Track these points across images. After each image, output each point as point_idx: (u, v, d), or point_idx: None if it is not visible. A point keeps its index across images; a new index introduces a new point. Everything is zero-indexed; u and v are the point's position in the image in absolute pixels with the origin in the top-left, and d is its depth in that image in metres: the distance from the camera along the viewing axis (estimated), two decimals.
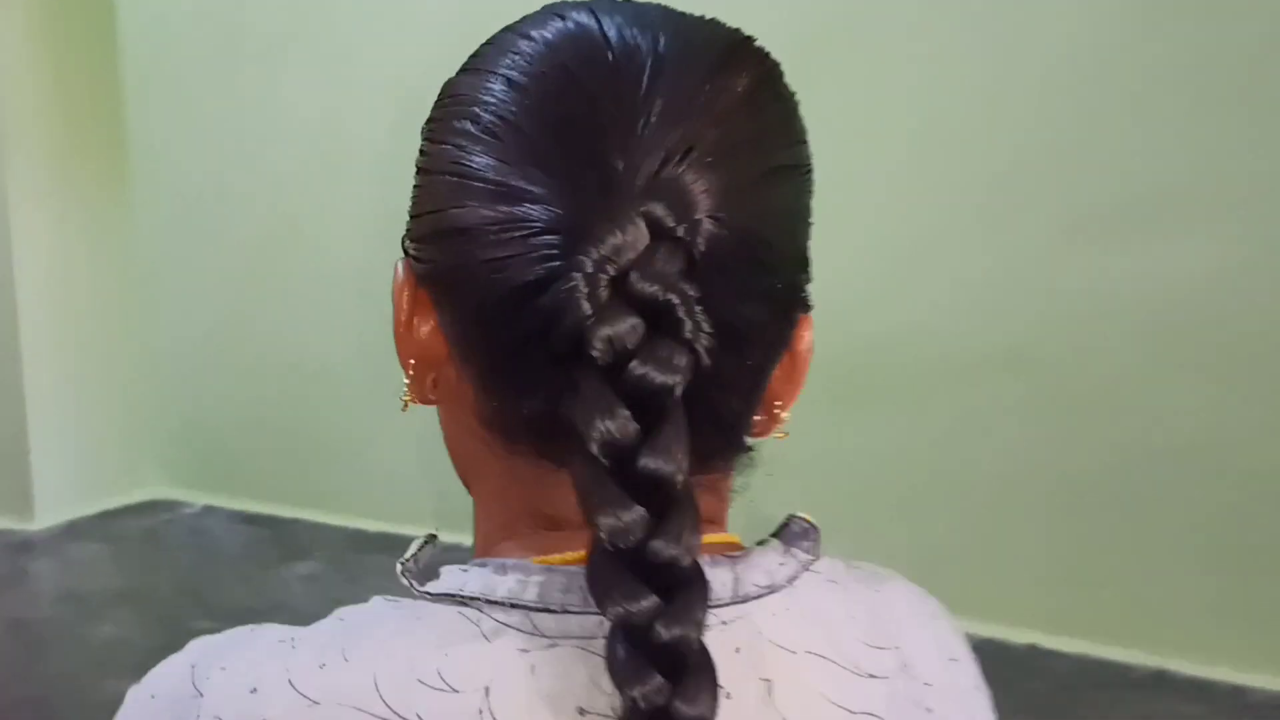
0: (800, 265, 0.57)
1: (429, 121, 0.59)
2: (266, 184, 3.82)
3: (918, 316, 2.98)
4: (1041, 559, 2.92)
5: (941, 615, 0.66)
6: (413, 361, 0.59)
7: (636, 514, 0.48)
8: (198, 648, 0.57)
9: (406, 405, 0.62)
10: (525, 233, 0.51)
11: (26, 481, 3.82)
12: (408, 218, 0.58)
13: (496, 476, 0.59)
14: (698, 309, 0.49)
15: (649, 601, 0.48)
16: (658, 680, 0.47)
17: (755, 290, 0.54)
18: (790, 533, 0.64)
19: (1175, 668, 2.74)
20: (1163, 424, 2.75)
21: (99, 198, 3.97)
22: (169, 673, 0.57)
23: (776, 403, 0.59)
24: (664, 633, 0.47)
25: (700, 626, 0.48)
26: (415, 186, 0.58)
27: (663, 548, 0.48)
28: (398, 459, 3.35)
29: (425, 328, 0.58)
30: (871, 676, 0.59)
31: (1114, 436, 2.80)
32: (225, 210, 3.91)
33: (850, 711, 0.57)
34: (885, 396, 3.01)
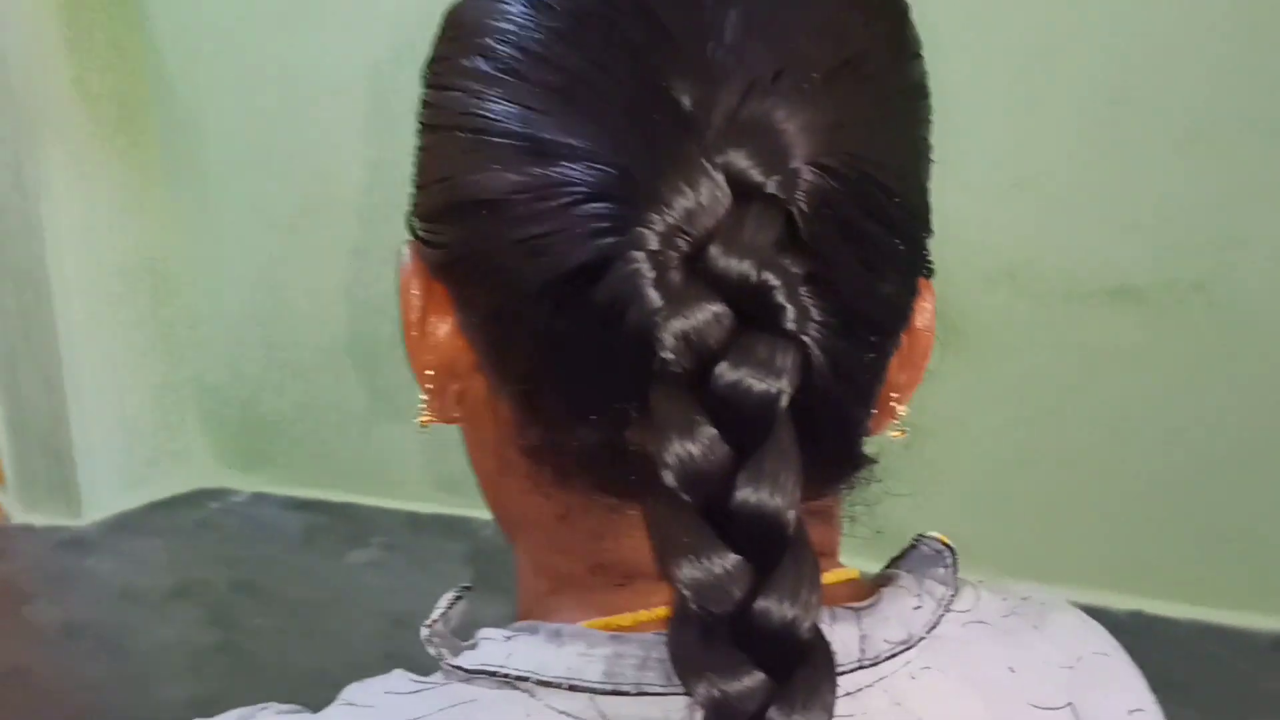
0: (924, 218, 0.47)
1: (431, 62, 0.47)
2: (303, 152, 3.67)
3: (1018, 257, 2.77)
4: (1155, 515, 2.73)
5: (1114, 650, 0.55)
6: (430, 372, 0.48)
7: (733, 564, 0.38)
8: None
9: (425, 425, 0.51)
10: (567, 200, 0.40)
11: (72, 476, 3.73)
12: (412, 188, 0.48)
13: (544, 520, 0.48)
14: (803, 290, 0.39)
15: (754, 680, 0.37)
16: None
17: (875, 257, 0.42)
18: (919, 557, 0.51)
19: None
20: None
21: (130, 179, 3.85)
22: None
23: (893, 394, 0.49)
24: None
25: (829, 712, 0.38)
26: (419, 148, 0.47)
27: (774, 609, 0.37)
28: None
29: (444, 328, 0.47)
30: None
31: (1245, 385, 2.59)
32: (264, 180, 3.79)
33: None
34: (982, 347, 2.81)
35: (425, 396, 0.50)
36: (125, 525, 3.74)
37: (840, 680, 0.43)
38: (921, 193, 0.46)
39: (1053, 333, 2.76)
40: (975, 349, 2.80)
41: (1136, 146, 2.62)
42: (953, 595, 0.49)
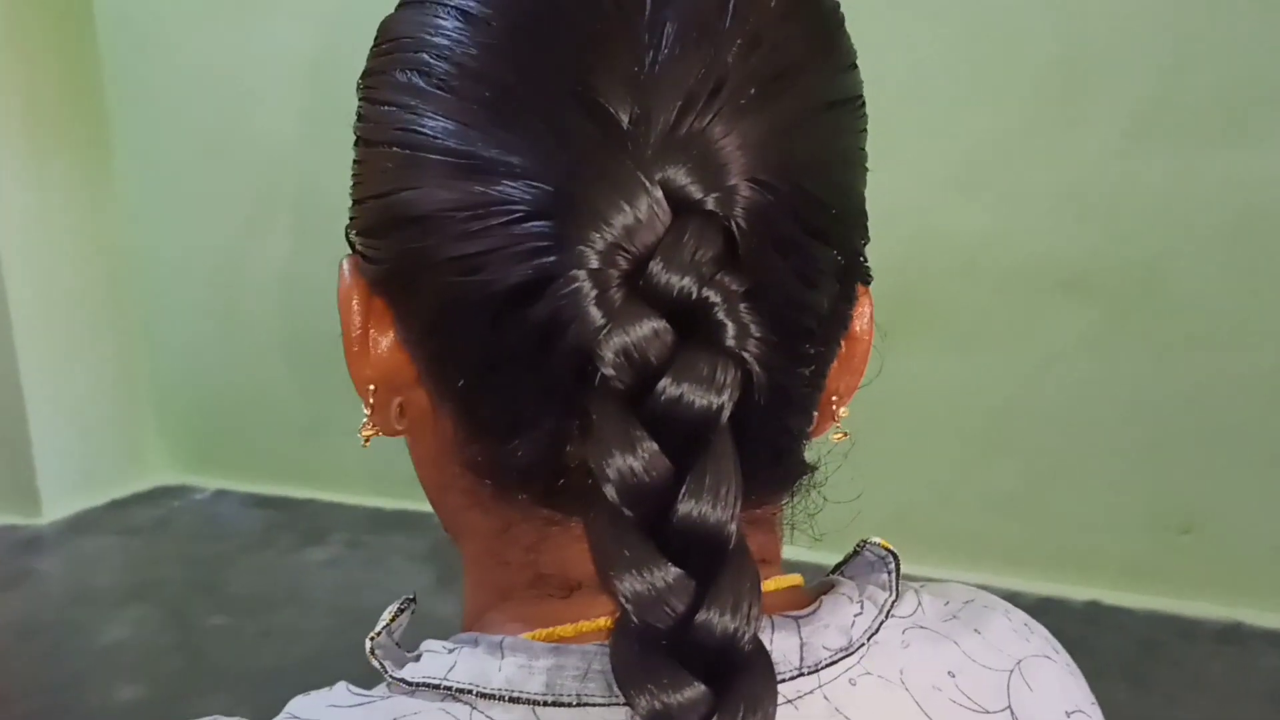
0: (860, 228, 0.47)
1: (365, 74, 0.47)
2: (259, 141, 3.65)
3: (972, 238, 2.77)
4: (1111, 505, 2.74)
5: (1056, 652, 0.56)
6: (372, 387, 0.49)
7: (674, 577, 0.38)
8: None
9: (368, 441, 0.52)
10: (505, 219, 0.40)
11: (30, 475, 3.71)
12: (351, 202, 0.47)
13: (486, 533, 0.48)
14: (742, 307, 0.39)
15: (694, 692, 0.37)
16: None
17: (813, 270, 0.43)
18: (862, 563, 0.52)
19: (1251, 620, 2.59)
20: (1249, 351, 2.55)
21: (81, 172, 3.82)
22: None
23: (833, 398, 0.49)
24: None
25: None
26: (355, 162, 0.47)
27: (715, 621, 0.37)
28: None
29: (384, 342, 0.47)
30: None
31: (1194, 366, 2.61)
32: (216, 174, 3.76)
33: None
34: (938, 327, 2.82)
35: (367, 411, 0.50)
36: (84, 524, 3.72)
37: (781, 688, 0.43)
38: (858, 201, 0.47)
39: (1009, 323, 2.78)
40: (933, 340, 2.82)
41: (1086, 137, 2.63)
42: (894, 601, 0.50)
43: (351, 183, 0.47)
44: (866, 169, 0.47)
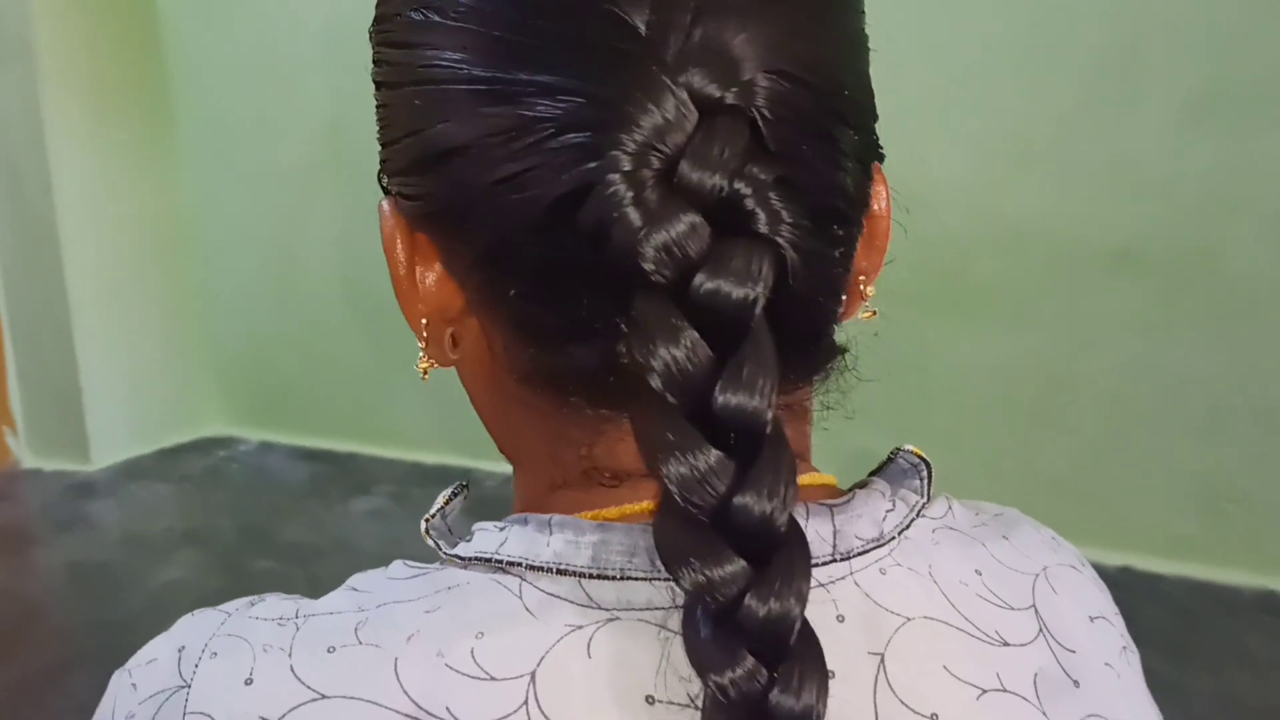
0: (870, 106, 0.48)
1: (377, 21, 0.48)
2: (312, 101, 3.68)
3: (1023, 215, 2.77)
4: (1158, 481, 2.75)
5: (1082, 565, 0.57)
6: (424, 321, 0.50)
7: (716, 460, 0.40)
8: (188, 627, 0.49)
9: (426, 373, 0.54)
10: (540, 135, 0.42)
11: (80, 422, 3.78)
12: (380, 146, 0.49)
13: (541, 439, 0.50)
14: (772, 195, 0.41)
15: (736, 567, 0.39)
16: (750, 664, 0.39)
17: (834, 151, 0.45)
18: (896, 470, 0.53)
19: None
20: None
21: (139, 128, 3.87)
22: (154, 657, 0.48)
23: (860, 278, 0.51)
24: (758, 607, 0.39)
25: (803, 599, 0.39)
26: (380, 107, 0.48)
27: (753, 503, 0.39)
28: (458, 388, 3.18)
29: (431, 276, 0.49)
30: (1005, 644, 0.49)
31: (1243, 345, 2.60)
32: (270, 132, 3.79)
33: (980, 689, 0.47)
34: (988, 305, 2.83)
35: (422, 345, 0.52)
36: (134, 471, 3.78)
37: (814, 572, 0.45)
38: (866, 81, 0.48)
39: (1060, 300, 2.77)
40: (983, 316, 2.82)
41: (1143, 113, 2.62)
42: (925, 503, 0.51)
43: (379, 127, 0.49)
44: (868, 49, 0.49)
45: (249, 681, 0.45)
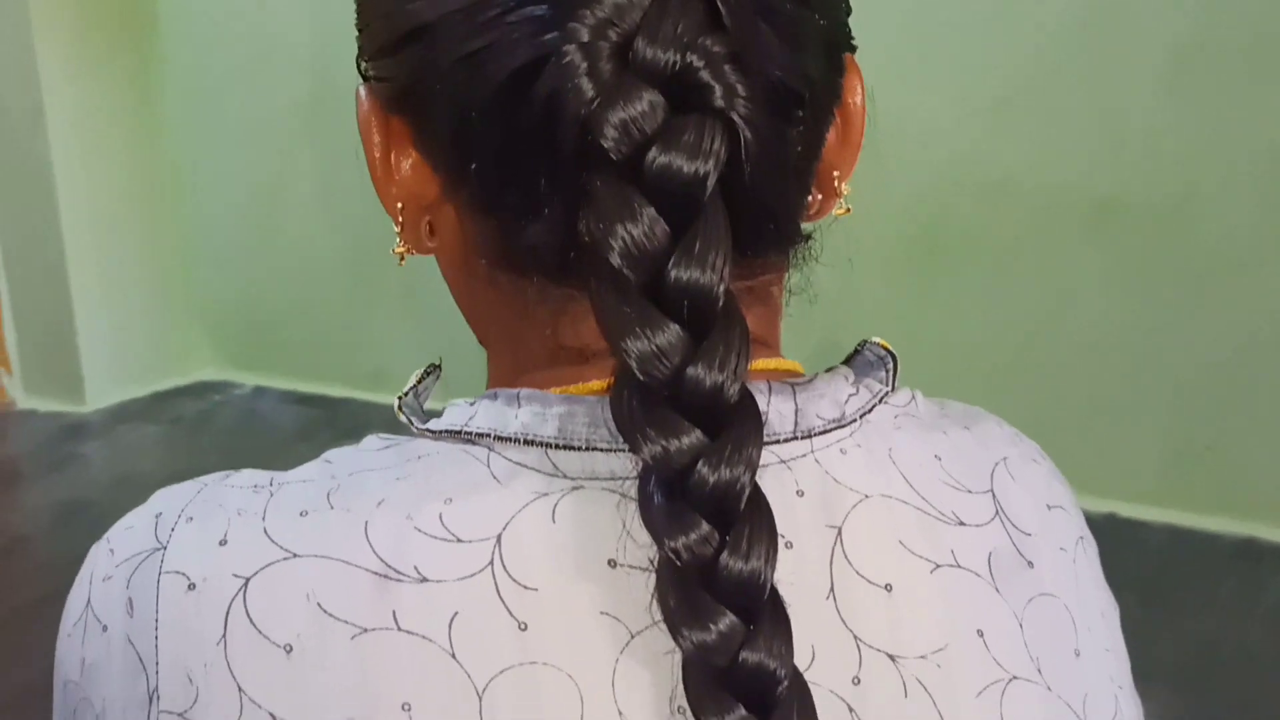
0: None
1: None
2: (300, 46, 3.67)
3: (1004, 172, 2.77)
4: (1136, 428, 2.76)
5: (1043, 459, 0.57)
6: (400, 205, 0.51)
7: (671, 334, 0.40)
8: (164, 497, 0.50)
9: (403, 258, 0.55)
10: (502, 9, 0.43)
11: (75, 363, 3.80)
12: (356, 32, 0.50)
13: (510, 319, 0.51)
14: (728, 68, 0.41)
15: (691, 438, 0.40)
16: (703, 529, 0.40)
17: (795, 32, 0.45)
18: (862, 362, 0.54)
19: (1266, 536, 2.62)
20: (1276, 281, 2.55)
21: (130, 72, 3.87)
22: (131, 525, 0.49)
23: (834, 173, 0.51)
24: (709, 474, 0.40)
25: (753, 466, 0.41)
26: None
27: (704, 374, 0.40)
28: (449, 332, 3.20)
29: (406, 162, 0.50)
30: (961, 524, 0.50)
31: (1222, 302, 2.61)
32: (259, 76, 3.79)
33: (934, 564, 0.48)
34: (968, 257, 2.83)
35: (397, 229, 0.53)
36: (127, 414, 3.80)
37: (775, 449, 0.47)
38: None
39: (1040, 251, 2.77)
40: (964, 266, 2.82)
41: (1123, 62, 2.61)
42: (888, 392, 0.52)
43: (356, 13, 0.50)
44: None
45: (223, 542, 0.46)
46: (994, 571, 0.49)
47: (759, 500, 0.41)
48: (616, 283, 0.41)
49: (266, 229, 3.94)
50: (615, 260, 0.41)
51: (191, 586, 0.45)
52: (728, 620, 0.40)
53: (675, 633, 0.41)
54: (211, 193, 4.01)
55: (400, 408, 0.53)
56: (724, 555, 0.40)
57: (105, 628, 0.47)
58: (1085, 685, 0.51)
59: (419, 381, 0.56)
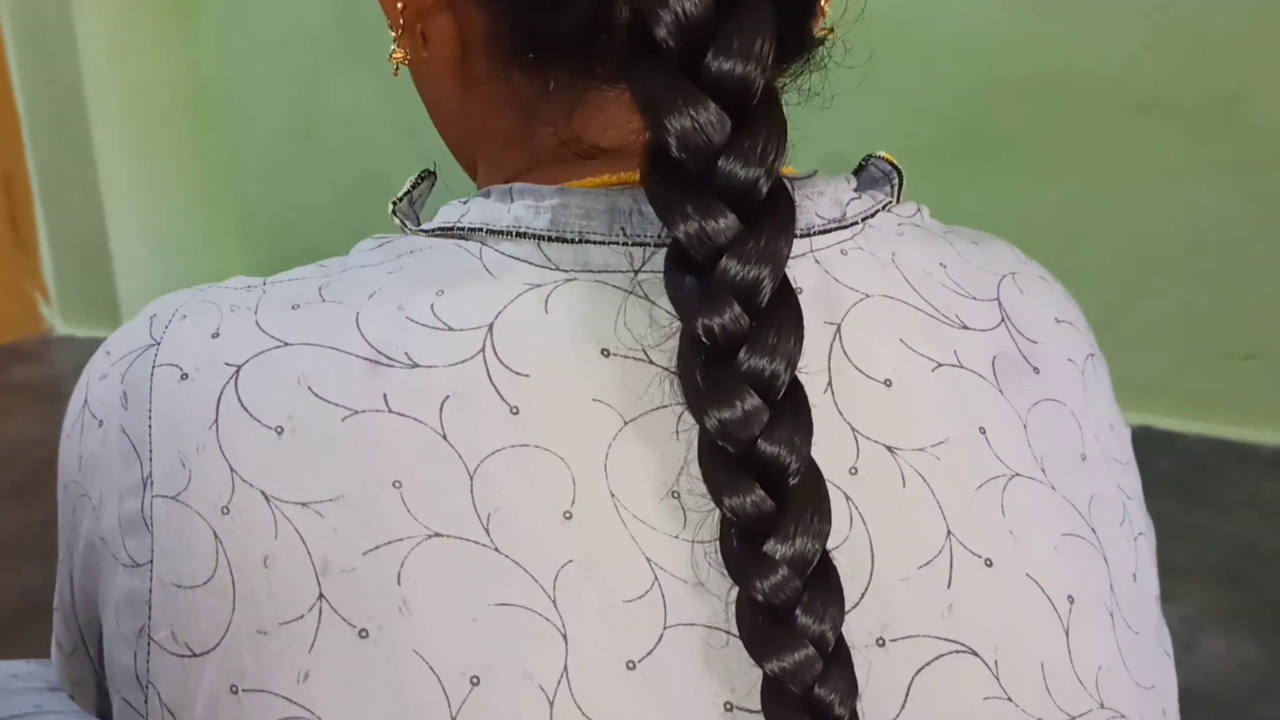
0: None
1: None
2: None
3: (1051, 59, 2.70)
4: (1178, 332, 2.72)
5: (1054, 281, 0.58)
6: (400, 5, 0.51)
7: (714, 113, 0.40)
8: (159, 302, 0.51)
9: (397, 69, 0.55)
10: None
11: (112, 289, 3.83)
12: None
13: (513, 125, 0.51)
14: None
15: (728, 220, 0.40)
16: (736, 310, 0.40)
17: None
18: (867, 177, 0.54)
19: None
20: None
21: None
22: (128, 328, 0.51)
23: None
24: (744, 259, 0.40)
25: (785, 256, 0.41)
26: None
27: (742, 161, 0.40)
28: None
29: None
30: (965, 327, 0.49)
31: (1267, 193, 2.54)
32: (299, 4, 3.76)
33: (936, 362, 0.48)
34: (1010, 154, 2.78)
35: (396, 33, 0.53)
36: None
37: None
38: None
39: (1085, 147, 2.72)
40: (1006, 164, 2.78)
41: None
42: (892, 203, 0.52)
43: None
44: None
45: (215, 335, 0.46)
46: (998, 374, 0.49)
47: (788, 291, 0.41)
48: (661, 57, 0.40)
49: (303, 150, 3.93)
50: (661, 32, 0.40)
51: (184, 376, 0.46)
52: (753, 401, 0.40)
53: (700, 411, 0.41)
54: (248, 113, 4.02)
55: (394, 211, 0.53)
56: (753, 339, 0.40)
57: (101, 422, 0.48)
58: (1091, 489, 0.50)
59: (413, 187, 0.56)
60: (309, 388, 0.44)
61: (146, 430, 0.45)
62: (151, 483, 0.45)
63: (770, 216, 0.41)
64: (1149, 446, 2.57)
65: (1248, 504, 2.35)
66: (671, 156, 0.40)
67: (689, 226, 0.40)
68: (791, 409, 0.41)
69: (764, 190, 0.41)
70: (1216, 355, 2.68)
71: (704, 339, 0.40)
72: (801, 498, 0.41)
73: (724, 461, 0.41)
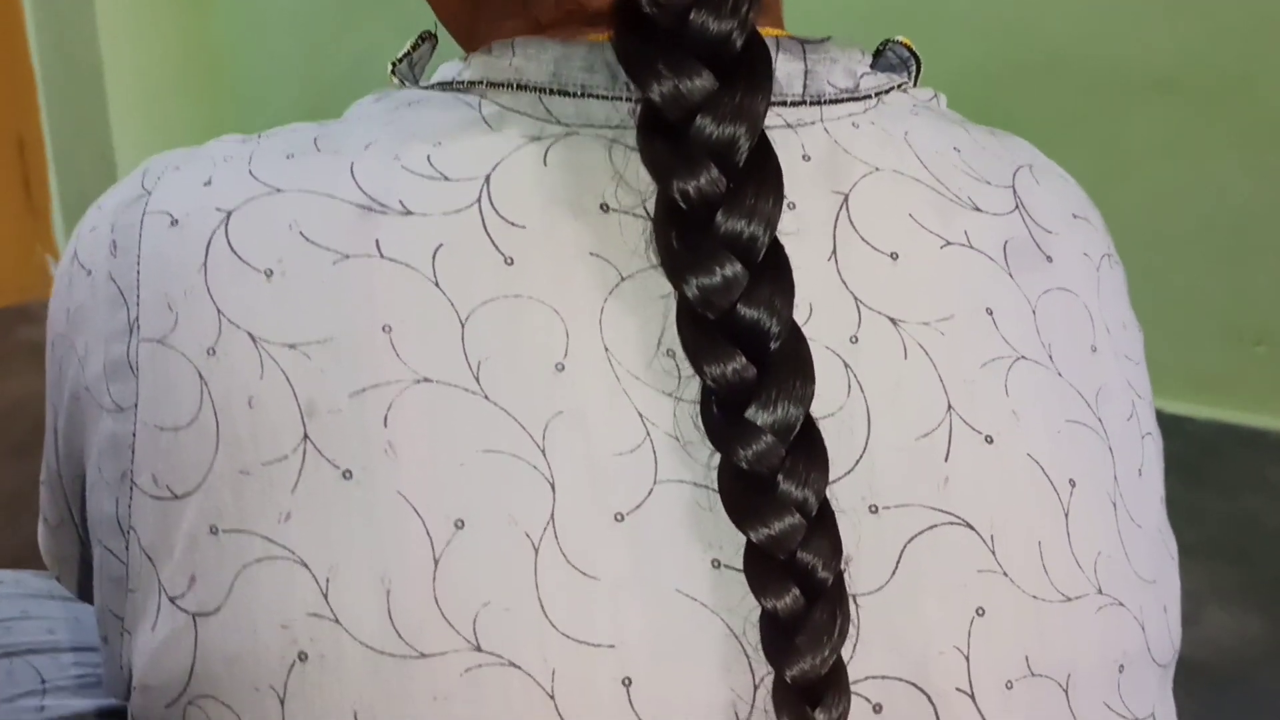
0: None
1: None
2: None
3: (1061, 40, 2.69)
4: (1187, 317, 2.70)
5: (1073, 180, 0.58)
6: None
7: None
8: (153, 159, 0.52)
9: None
10: None
11: None
12: None
13: None
14: None
15: (703, 79, 0.40)
16: (713, 173, 0.40)
17: None
18: (884, 63, 0.53)
19: None
20: None
21: None
22: (120, 184, 0.51)
23: None
24: (712, 127, 0.39)
25: (760, 115, 0.40)
26: None
27: (713, 20, 0.39)
28: None
29: None
30: (977, 209, 0.49)
31: (1278, 174, 2.53)
32: None
33: (945, 240, 0.47)
34: (1021, 129, 2.76)
35: None
36: None
37: (781, 111, 0.46)
38: None
39: (1095, 125, 2.71)
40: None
41: None
42: (908, 84, 0.51)
43: None
44: None
45: (208, 183, 0.46)
46: (1009, 258, 0.48)
47: (767, 150, 0.41)
48: None
49: (315, 116, 3.93)
50: None
51: (175, 222, 0.46)
52: (732, 266, 0.40)
53: (677, 276, 0.40)
54: (260, 82, 4.01)
55: (394, 71, 0.53)
56: (730, 201, 0.40)
57: (90, 272, 0.48)
58: (1100, 380, 0.49)
59: (413, 49, 0.56)
60: (300, 232, 0.43)
61: (134, 275, 0.45)
62: (138, 327, 0.44)
63: (746, 72, 0.40)
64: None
65: (1255, 486, 2.34)
66: (641, 11, 0.40)
67: (661, 86, 0.40)
68: (772, 272, 0.40)
69: (738, 44, 0.40)
70: (1226, 339, 2.67)
71: (680, 202, 0.40)
72: (784, 362, 0.40)
73: (703, 328, 0.40)
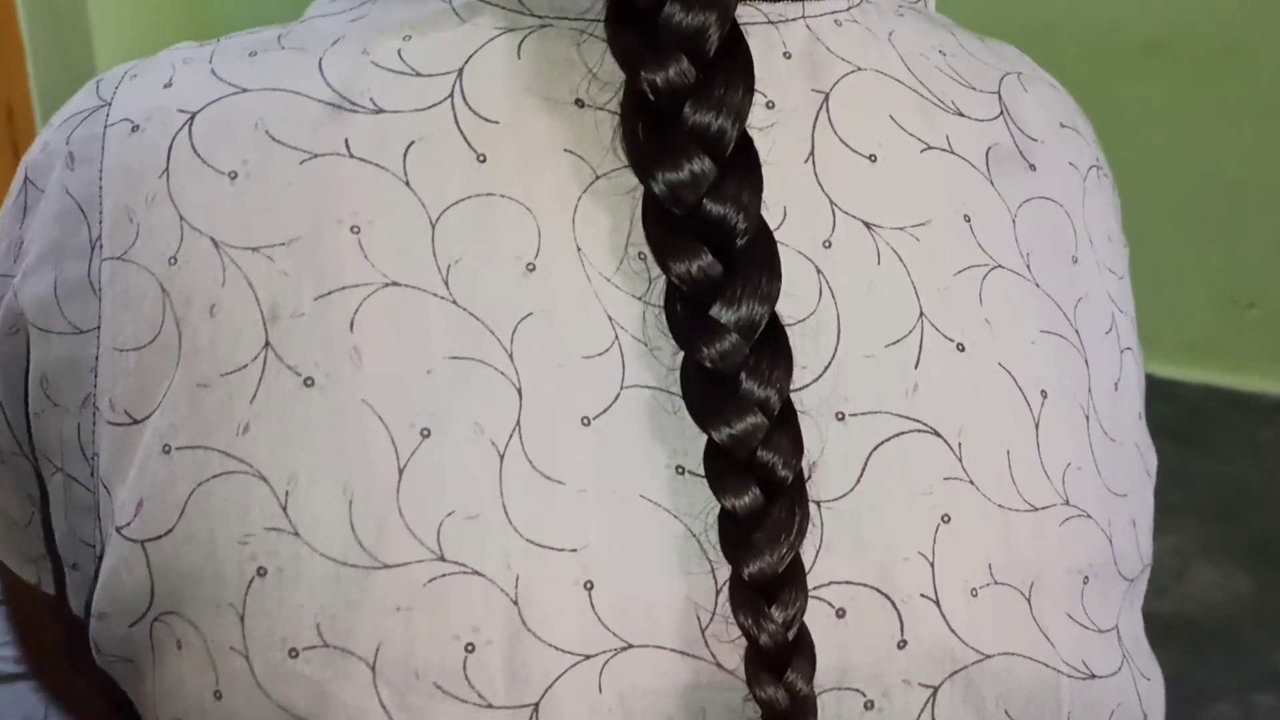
0: None
1: None
2: None
3: (1055, 5, 2.70)
4: (1178, 281, 2.71)
5: (1064, 91, 0.54)
6: None
7: None
8: (106, 73, 0.47)
9: None
10: None
11: None
12: None
13: None
14: None
15: None
16: (682, 64, 0.38)
17: None
18: None
19: None
20: None
21: None
22: (73, 99, 0.47)
23: None
24: (681, 15, 0.38)
25: (729, 6, 0.39)
26: None
27: None
28: None
29: None
30: (960, 114, 0.46)
31: (1270, 140, 2.54)
32: None
33: (926, 144, 0.45)
34: None
35: None
36: None
37: (761, 6, 0.44)
38: None
39: (1090, 91, 2.69)
40: None
41: None
42: None
43: None
44: None
45: (168, 85, 0.44)
46: (990, 164, 0.46)
47: (738, 39, 0.40)
48: None
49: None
50: None
51: (135, 128, 0.43)
52: (700, 161, 0.39)
53: (644, 171, 0.39)
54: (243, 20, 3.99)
55: None
56: (698, 92, 0.39)
57: (42, 190, 0.45)
58: (1079, 291, 0.47)
59: None
60: (266, 131, 0.42)
61: (96, 189, 0.43)
62: (101, 245, 0.42)
63: None
64: (1147, 393, 2.56)
65: (1244, 449, 2.35)
66: None
67: None
68: (741, 167, 0.39)
69: None
70: (1217, 303, 2.68)
71: (649, 94, 0.39)
72: (750, 259, 0.39)
73: (670, 225, 0.39)
